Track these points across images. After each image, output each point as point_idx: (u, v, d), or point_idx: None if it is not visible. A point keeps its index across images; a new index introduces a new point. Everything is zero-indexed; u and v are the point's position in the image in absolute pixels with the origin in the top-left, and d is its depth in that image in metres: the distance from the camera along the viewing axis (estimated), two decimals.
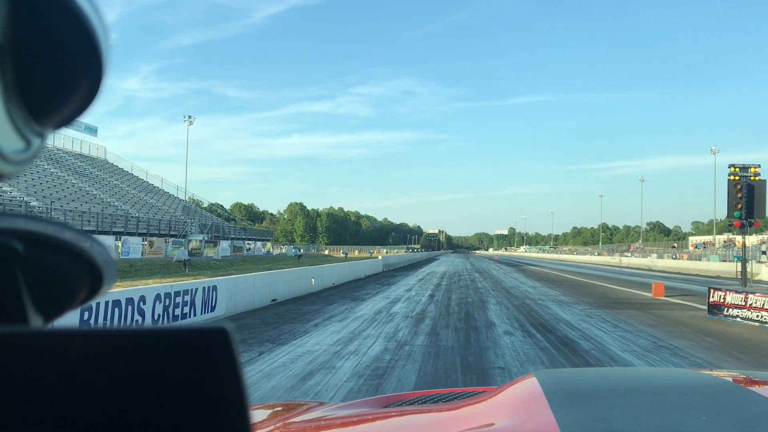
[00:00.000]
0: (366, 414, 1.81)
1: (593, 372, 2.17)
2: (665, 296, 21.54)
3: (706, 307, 15.75)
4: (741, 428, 1.13)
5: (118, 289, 10.25)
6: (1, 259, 0.42)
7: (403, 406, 1.93)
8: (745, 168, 18.80)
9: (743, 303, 14.06)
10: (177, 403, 0.32)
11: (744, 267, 20.55)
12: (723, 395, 1.37)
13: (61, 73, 0.41)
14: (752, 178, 18.50)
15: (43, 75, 0.41)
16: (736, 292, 14.78)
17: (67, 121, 0.44)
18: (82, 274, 0.47)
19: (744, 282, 19.49)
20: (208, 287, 13.47)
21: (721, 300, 14.89)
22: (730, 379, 1.58)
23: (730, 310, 14.48)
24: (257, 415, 1.93)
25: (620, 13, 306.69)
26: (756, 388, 1.43)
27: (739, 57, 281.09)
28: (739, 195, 18.33)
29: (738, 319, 14.09)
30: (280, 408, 2.24)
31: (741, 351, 10.42)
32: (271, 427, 1.65)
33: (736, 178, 18.52)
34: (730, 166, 18.84)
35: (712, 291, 15.47)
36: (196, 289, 12.87)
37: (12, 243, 0.42)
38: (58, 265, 0.45)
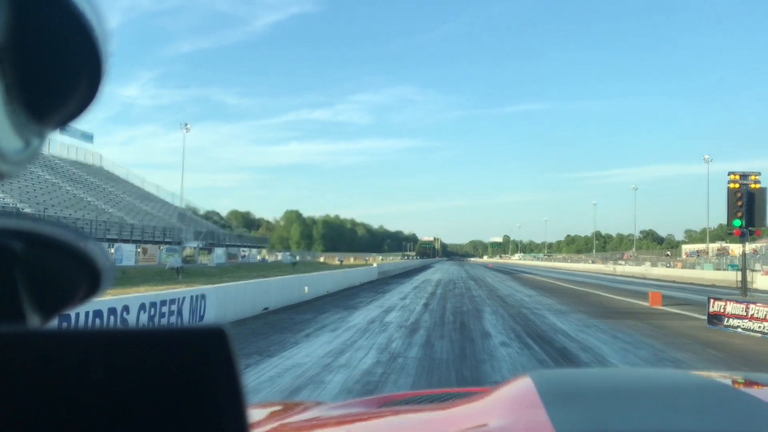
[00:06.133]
0: (360, 413, 1.84)
1: (588, 372, 2.14)
2: (662, 305, 21.26)
3: (705, 317, 15.45)
4: (734, 429, 1.14)
5: (100, 298, 9.88)
6: None
7: (398, 405, 1.94)
8: (745, 176, 18.46)
9: (744, 313, 13.76)
10: (174, 403, 0.32)
11: (744, 276, 20.25)
12: (716, 396, 1.38)
13: (60, 72, 0.41)
14: (752, 186, 18.24)
15: (43, 74, 0.41)
16: (737, 302, 14.49)
17: (67, 120, 0.44)
18: (79, 274, 0.47)
19: (744, 291, 19.19)
20: (196, 296, 13.09)
21: (722, 310, 14.60)
22: (723, 380, 1.59)
23: (731, 320, 14.18)
24: (256, 415, 1.91)
25: (616, 20, 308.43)
26: (748, 389, 1.44)
27: (732, 66, 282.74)
28: (739, 203, 18.00)
29: (739, 329, 13.79)
30: (279, 408, 2.23)
31: (746, 364, 10.10)
32: (269, 428, 1.66)
33: (736, 186, 18.22)
34: (729, 174, 18.49)
35: (712, 301, 15.17)
36: (184, 297, 12.49)
37: (10, 243, 0.42)
38: (56, 265, 0.45)
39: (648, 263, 78.53)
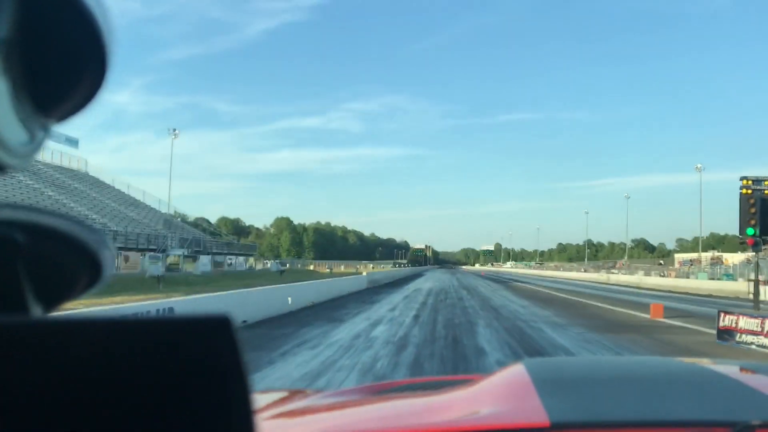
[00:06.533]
0: (357, 400, 1.85)
1: (581, 360, 2.20)
2: (664, 318, 20.25)
3: (713, 331, 14.45)
4: (723, 414, 1.16)
5: (61, 312, 8.73)
6: (2, 249, 0.42)
7: (393, 393, 1.98)
8: (758, 181, 17.36)
9: (759, 329, 12.72)
10: (181, 391, 0.32)
11: (757, 289, 19.20)
12: (706, 383, 1.38)
13: (65, 65, 0.42)
14: (766, 192, 17.14)
15: (47, 67, 0.41)
16: (750, 316, 13.44)
17: (71, 113, 0.45)
18: (81, 264, 0.47)
19: (757, 305, 18.15)
20: (163, 309, 11.93)
21: (733, 325, 13.56)
22: (711, 367, 1.58)
23: (744, 336, 13.14)
24: (260, 401, 1.90)
25: (607, 31, 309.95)
26: (737, 376, 1.43)
27: (723, 76, 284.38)
28: (753, 210, 16.92)
29: (753, 346, 12.74)
30: (282, 394, 2.22)
31: None
32: (271, 413, 1.67)
33: (749, 191, 17.15)
34: (742, 179, 17.32)
35: (722, 315, 14.14)
36: (149, 311, 11.33)
37: (13, 234, 0.42)
38: (58, 255, 0.45)
39: (641, 272, 77.90)
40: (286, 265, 67.55)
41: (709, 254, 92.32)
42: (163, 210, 71.49)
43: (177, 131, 74.16)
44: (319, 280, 30.34)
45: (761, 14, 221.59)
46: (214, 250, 62.68)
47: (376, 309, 22.42)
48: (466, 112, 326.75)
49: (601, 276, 74.68)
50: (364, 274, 37.88)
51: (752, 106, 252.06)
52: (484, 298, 30.40)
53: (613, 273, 79.72)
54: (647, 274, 72.09)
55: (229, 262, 60.15)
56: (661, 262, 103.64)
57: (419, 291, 36.73)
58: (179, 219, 77.52)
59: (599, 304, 27.37)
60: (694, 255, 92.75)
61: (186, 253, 53.62)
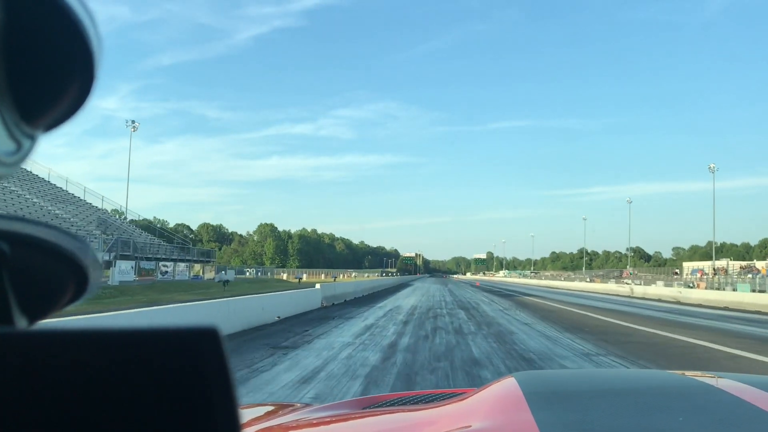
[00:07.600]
0: (346, 414, 1.83)
1: (573, 373, 2.23)
2: None
3: None
4: (717, 428, 1.15)
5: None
6: None
7: (384, 407, 1.94)
8: None
9: None
10: (167, 402, 0.31)
11: None
12: (700, 396, 1.37)
13: (52, 73, 0.41)
14: None
15: (34, 76, 0.40)
16: None
17: (59, 122, 0.44)
18: (67, 276, 0.46)
19: None
20: None
21: None
22: (707, 381, 1.57)
23: None
24: (247, 414, 1.93)
25: (600, 39, 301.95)
26: (732, 390, 1.43)
27: (718, 87, 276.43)
28: None
29: None
30: (270, 408, 2.23)
31: None
32: (258, 427, 1.67)
33: None
34: None
35: None
36: None
37: None
38: (44, 266, 0.44)
39: (661, 282, 67.61)
40: (228, 275, 55.67)
41: (722, 263, 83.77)
42: (108, 209, 62.04)
43: (137, 124, 68.85)
44: (249, 296, 19.35)
45: (753, 22, 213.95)
46: (159, 255, 51.83)
47: (285, 369, 10.67)
48: (458, 119, 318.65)
49: (620, 288, 63.10)
50: (317, 287, 26.34)
51: (750, 114, 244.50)
52: (499, 332, 18.36)
53: (626, 283, 68.91)
54: (668, 284, 61.53)
55: (164, 269, 48.36)
56: (676, 272, 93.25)
57: (396, 312, 25.08)
58: (157, 224, 67.49)
59: (687, 339, 15.46)
60: (704, 263, 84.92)
61: (110, 257, 42.55)
